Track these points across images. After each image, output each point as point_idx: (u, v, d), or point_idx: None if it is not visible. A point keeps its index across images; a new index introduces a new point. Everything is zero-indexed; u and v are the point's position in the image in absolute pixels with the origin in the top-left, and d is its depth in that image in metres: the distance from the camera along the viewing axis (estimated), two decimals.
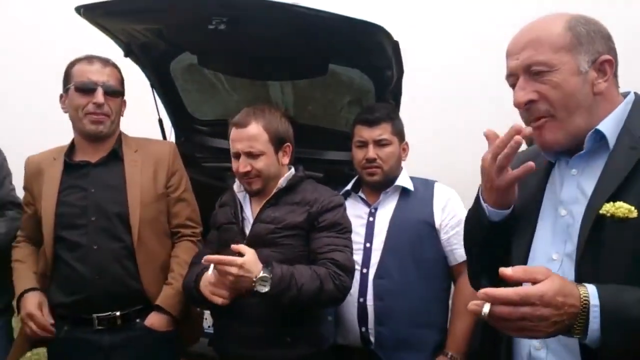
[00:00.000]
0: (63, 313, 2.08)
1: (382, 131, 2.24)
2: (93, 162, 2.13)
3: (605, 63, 1.25)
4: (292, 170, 2.11)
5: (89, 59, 2.12)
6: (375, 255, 2.20)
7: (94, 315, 2.04)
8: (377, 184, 2.29)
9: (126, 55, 2.58)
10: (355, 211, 2.28)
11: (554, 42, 1.23)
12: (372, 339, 2.15)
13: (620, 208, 1.14)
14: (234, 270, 1.78)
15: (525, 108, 1.27)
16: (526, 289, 1.04)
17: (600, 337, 1.05)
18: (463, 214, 2.25)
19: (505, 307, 1.04)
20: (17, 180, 2.37)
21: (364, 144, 2.27)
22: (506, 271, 1.06)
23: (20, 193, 2.33)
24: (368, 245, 2.22)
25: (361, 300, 2.16)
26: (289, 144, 2.07)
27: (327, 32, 2.19)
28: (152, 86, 2.88)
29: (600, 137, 1.24)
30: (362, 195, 2.34)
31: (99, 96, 2.06)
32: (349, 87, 2.71)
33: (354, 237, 2.11)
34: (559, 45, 1.23)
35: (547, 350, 1.25)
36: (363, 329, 2.16)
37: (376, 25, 2.06)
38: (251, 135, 1.97)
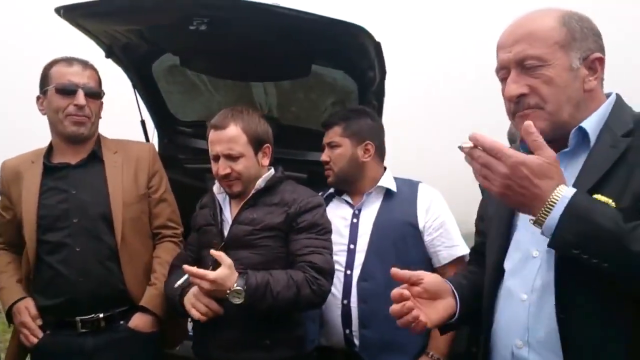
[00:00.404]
0: (46, 317, 2.06)
1: (333, 134, 2.29)
2: (73, 164, 2.12)
3: (596, 61, 1.26)
4: (272, 170, 2.09)
5: (68, 60, 2.10)
6: (360, 257, 2.19)
7: (78, 318, 2.02)
8: (332, 185, 2.34)
9: (108, 56, 2.56)
10: (339, 212, 2.28)
11: (548, 37, 1.23)
12: (356, 341, 2.14)
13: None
14: (205, 285, 1.78)
15: (516, 101, 1.27)
16: (503, 146, 1.12)
17: (555, 227, 1.09)
18: (447, 215, 2.26)
19: (479, 151, 1.14)
20: None
21: (325, 147, 2.34)
22: (530, 127, 1.12)
23: None
24: (352, 246, 2.21)
25: (345, 302, 2.15)
26: (268, 145, 2.05)
27: (309, 33, 2.19)
28: (135, 87, 2.86)
29: (583, 134, 1.25)
30: (346, 197, 2.34)
31: (80, 98, 2.05)
32: (332, 88, 2.71)
33: (338, 238, 2.10)
34: (553, 40, 1.23)
35: (529, 348, 1.26)
36: (347, 331, 2.15)
37: (358, 26, 2.06)
38: (230, 137, 1.95)
